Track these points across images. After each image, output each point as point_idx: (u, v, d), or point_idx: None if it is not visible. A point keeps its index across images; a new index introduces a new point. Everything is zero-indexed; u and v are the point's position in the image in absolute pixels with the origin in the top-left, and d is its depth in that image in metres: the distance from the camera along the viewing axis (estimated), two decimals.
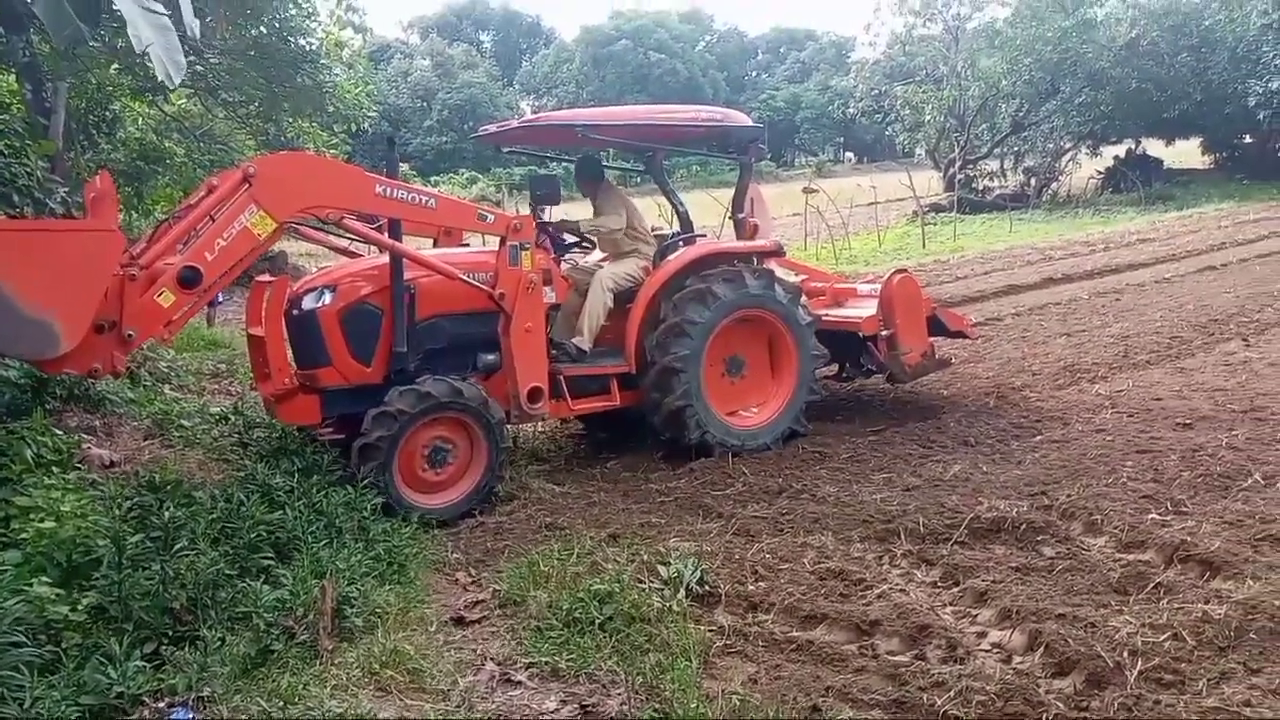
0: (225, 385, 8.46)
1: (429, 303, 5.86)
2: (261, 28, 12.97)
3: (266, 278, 5.83)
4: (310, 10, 14.24)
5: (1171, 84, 27.76)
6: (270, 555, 4.41)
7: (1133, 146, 32.26)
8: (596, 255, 7.15)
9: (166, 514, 4.25)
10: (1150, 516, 4.77)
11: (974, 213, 26.68)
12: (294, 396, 5.66)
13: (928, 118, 30.77)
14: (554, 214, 7.08)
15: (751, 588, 4.29)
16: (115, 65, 12.04)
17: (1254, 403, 6.78)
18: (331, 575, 4.15)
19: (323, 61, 14.69)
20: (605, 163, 7.69)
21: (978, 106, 30.26)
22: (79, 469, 5.07)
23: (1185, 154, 34.00)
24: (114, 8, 4.52)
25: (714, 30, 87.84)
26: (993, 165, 32.43)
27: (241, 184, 4.89)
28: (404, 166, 38.55)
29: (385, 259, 5.78)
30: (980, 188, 30.58)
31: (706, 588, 4.26)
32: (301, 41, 13.97)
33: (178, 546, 4.05)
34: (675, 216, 7.33)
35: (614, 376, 6.45)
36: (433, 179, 49.09)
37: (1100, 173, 31.05)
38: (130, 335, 4.67)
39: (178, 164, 14.49)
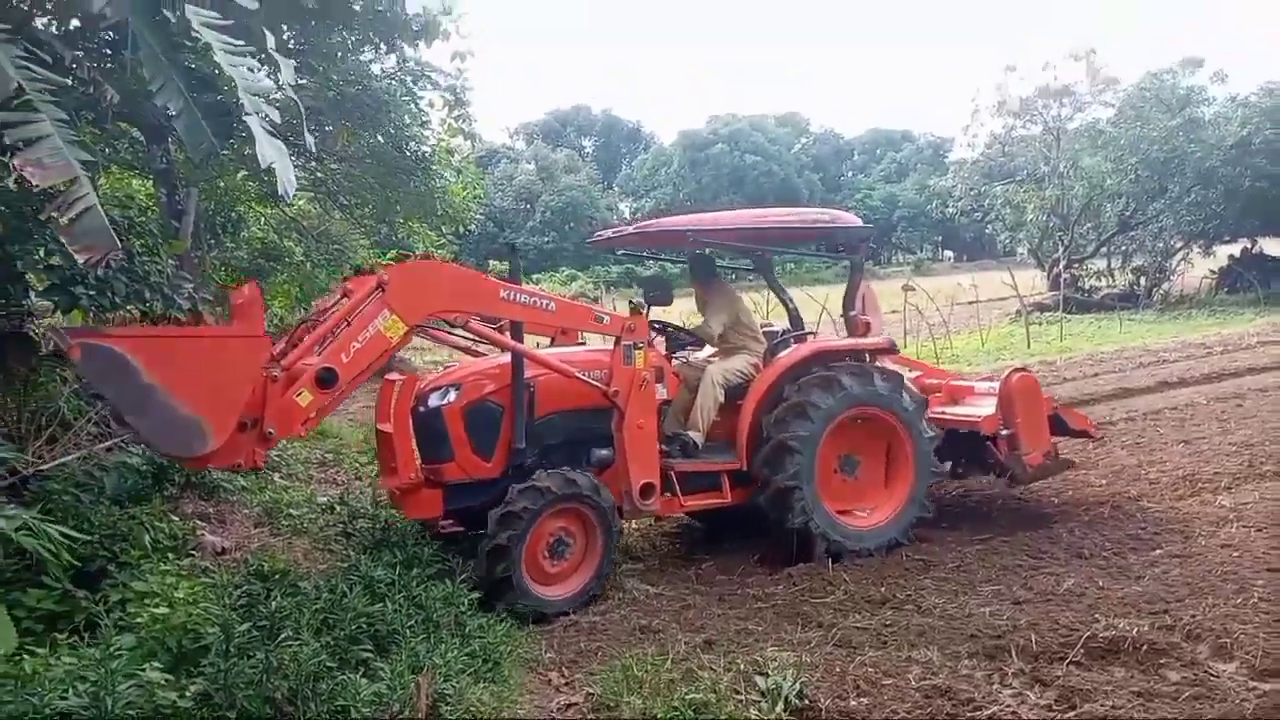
0: (332, 474, 8.73)
1: (547, 400, 6.13)
2: (379, 136, 13.75)
3: (395, 376, 6.06)
4: (424, 119, 15.06)
5: None
6: (370, 648, 4.47)
7: (1248, 245, 31.11)
8: (708, 351, 7.29)
9: (273, 603, 4.37)
10: None
11: (1081, 312, 25.99)
12: (418, 491, 5.84)
13: (1030, 216, 30.41)
14: (662, 312, 7.23)
15: (854, 703, 4.13)
16: (242, 173, 12.89)
17: None
18: (428, 671, 4.18)
19: (434, 168, 15.45)
20: (718, 261, 7.82)
21: (1082, 205, 29.77)
22: (193, 555, 5.27)
23: None
24: (244, 122, 4.90)
25: (810, 133, 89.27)
26: (1099, 264, 31.67)
27: (375, 290, 5.19)
28: (506, 266, 39.99)
29: (507, 358, 6.06)
30: (1087, 287, 29.85)
31: (806, 701, 4.13)
32: (415, 148, 14.74)
33: (282, 636, 4.13)
34: (786, 313, 7.49)
35: (724, 473, 6.51)
36: (535, 276, 50.67)
37: (1214, 272, 29.98)
38: (270, 433, 4.93)
39: (296, 262, 15.34)
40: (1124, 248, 30.93)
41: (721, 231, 6.77)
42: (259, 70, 5.91)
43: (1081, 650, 4.48)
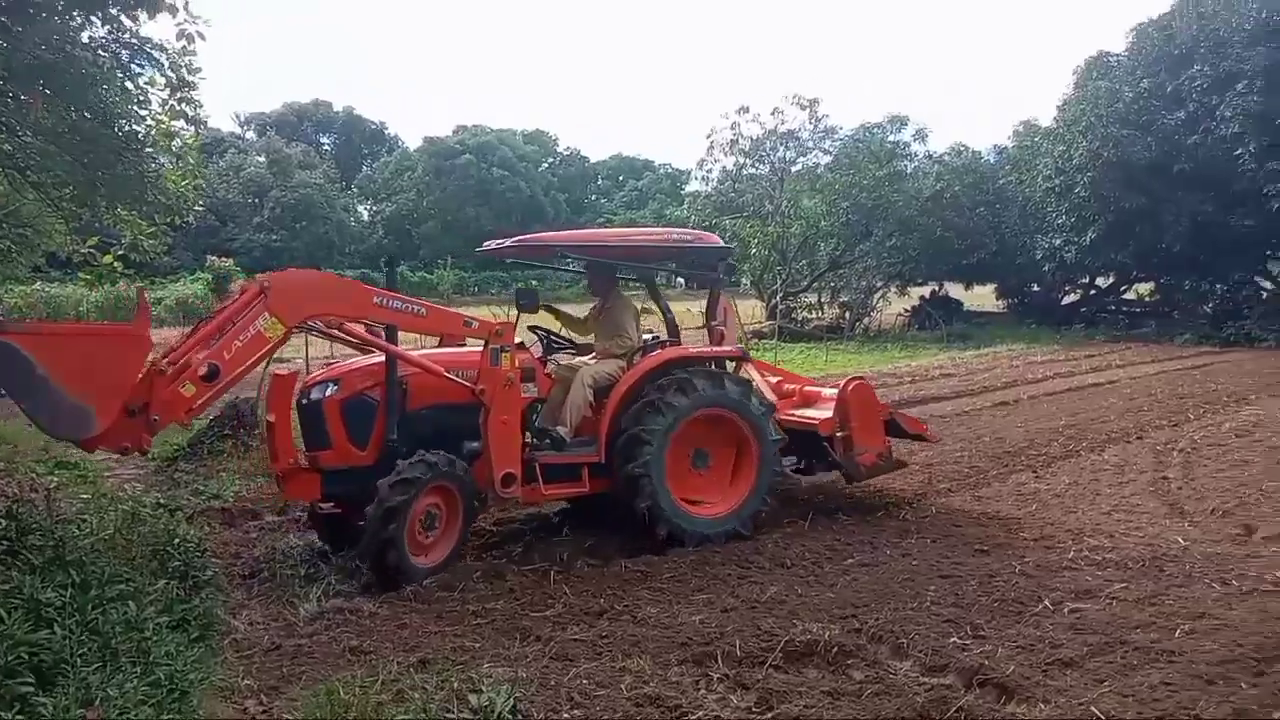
0: (1, 485, 7.66)
1: (419, 396, 6.64)
2: (85, 111, 12.31)
3: (283, 371, 6.78)
4: (141, 97, 13.65)
5: (971, 234, 30.65)
6: (30, 680, 3.90)
7: (936, 288, 35.07)
8: (585, 356, 7.80)
9: None
10: (952, 640, 4.97)
11: (794, 341, 28.03)
12: (298, 475, 6.41)
13: (753, 250, 32.42)
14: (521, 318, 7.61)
15: (567, 716, 4.15)
16: None
17: (1043, 531, 7.27)
18: (99, 704, 3.72)
19: (148, 150, 14.03)
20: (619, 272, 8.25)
21: (799, 243, 32.16)
22: None
23: (982, 298, 37.21)
24: None
25: (557, 152, 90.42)
26: (812, 298, 34.33)
27: (258, 295, 5.71)
28: (228, 262, 37.17)
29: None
30: (800, 318, 32.24)
31: (519, 716, 4.08)
32: (125, 127, 13.32)
33: None
34: (664, 323, 8.03)
35: (585, 465, 6.98)
36: (258, 277, 47.46)
37: (907, 310, 33.50)
38: (156, 419, 5.40)
39: None
40: (833, 284, 33.80)
41: (591, 248, 7.46)
42: None
43: (780, 654, 4.77)
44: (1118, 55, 29.49)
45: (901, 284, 34.47)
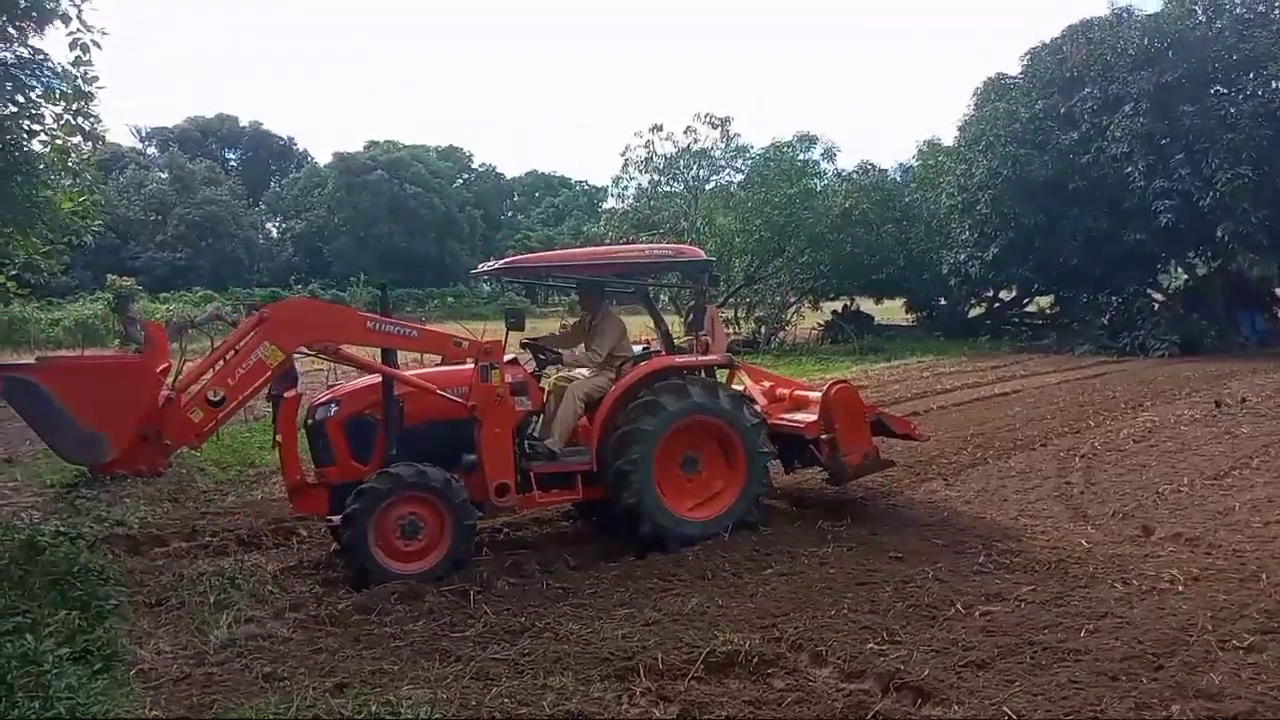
0: None
1: (416, 413, 6.94)
2: None
3: (291, 393, 7.31)
4: (33, 110, 13.05)
5: (880, 249, 31.42)
6: None
7: (848, 303, 35.81)
8: (583, 371, 7.94)
9: None
10: (869, 646, 5.07)
11: None
12: (306, 490, 6.94)
13: None
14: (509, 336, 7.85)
15: None
16: None
17: (954, 537, 7.47)
18: None
19: (40, 168, 13.40)
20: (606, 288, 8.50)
21: (714, 260, 32.54)
22: None
23: (891, 311, 38.15)
24: None
25: (472, 168, 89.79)
26: (728, 313, 34.73)
27: (257, 324, 6.32)
28: (129, 281, 35.82)
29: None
30: None
31: None
32: (18, 146, 12.69)
33: None
34: (659, 335, 8.40)
35: (578, 474, 7.28)
36: (163, 296, 45.80)
37: (821, 325, 34.14)
38: (168, 444, 6.02)
39: None
40: (748, 299, 34.24)
41: (574, 267, 8.04)
42: None
43: (702, 665, 4.81)
44: (1014, 78, 30.64)
45: (814, 299, 35.11)
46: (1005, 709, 4.31)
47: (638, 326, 9.37)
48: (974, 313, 35.36)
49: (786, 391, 9.10)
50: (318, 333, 6.68)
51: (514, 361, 7.48)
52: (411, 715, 4.08)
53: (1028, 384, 18.99)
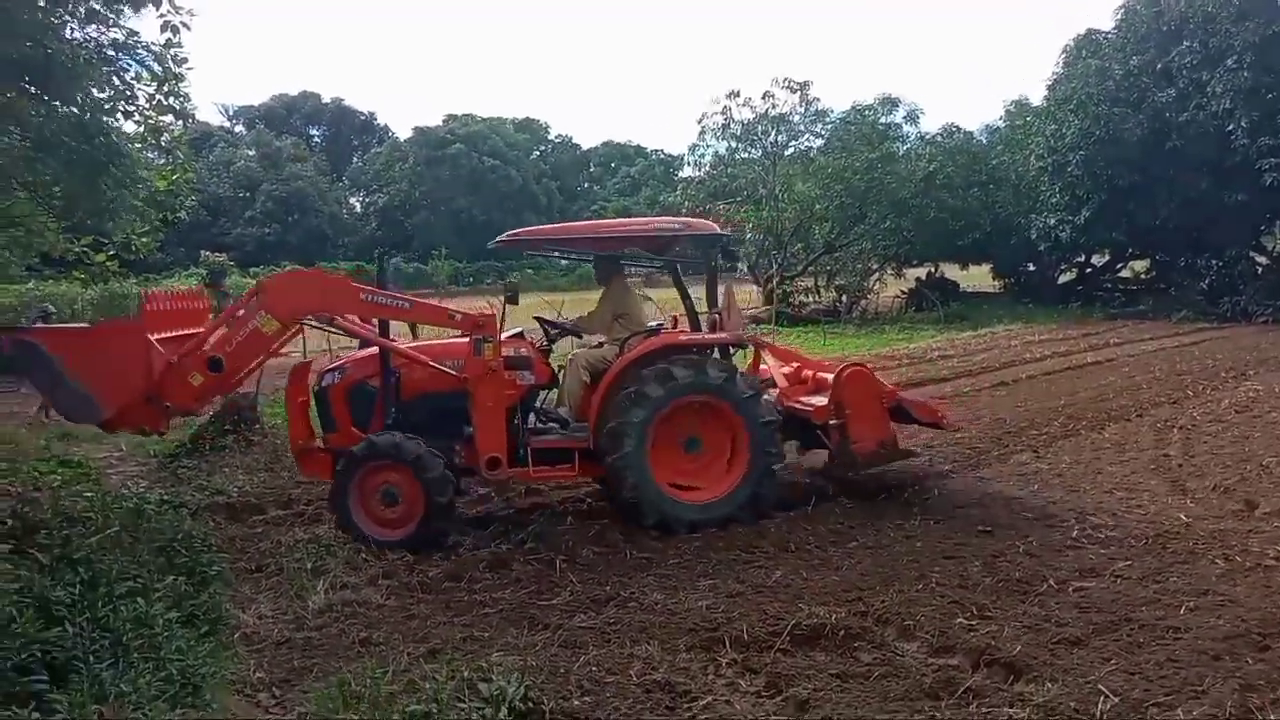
0: (2, 485, 7.64)
1: (411, 385, 7.09)
2: (72, 109, 12.15)
3: (301, 360, 7.91)
4: (128, 93, 13.49)
5: (965, 214, 30.55)
6: (44, 678, 3.92)
7: (932, 270, 35.03)
8: (598, 339, 7.98)
9: None
10: (958, 621, 5.00)
11: (791, 325, 28.00)
12: (312, 454, 7.25)
13: (748, 235, 32.35)
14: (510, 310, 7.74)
15: (577, 703, 4.17)
16: None
17: (1045, 510, 7.30)
18: (113, 700, 3.74)
19: (136, 146, 13.88)
20: (624, 262, 8.52)
21: (793, 227, 32.09)
22: None
23: (978, 278, 37.23)
24: None
25: (548, 140, 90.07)
26: (808, 282, 34.31)
27: (255, 295, 6.58)
28: (222, 257, 37.02)
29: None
30: (796, 302, 32.17)
31: (530, 704, 4.10)
32: (113, 126, 13.14)
33: None
34: (685, 311, 8.25)
35: (576, 450, 7.17)
36: (252, 270, 47.25)
37: (904, 293, 33.47)
38: (168, 406, 6.34)
39: None
40: (829, 267, 33.74)
41: (576, 240, 8.25)
42: None
43: (787, 637, 4.80)
44: (1107, 33, 29.41)
45: (897, 266, 34.44)
46: (1101, 687, 4.20)
47: (670, 302, 9.21)
48: (1064, 278, 34.33)
49: (810, 373, 8.76)
50: (312, 303, 6.77)
51: (519, 335, 7.57)
52: (504, 681, 4.17)
53: (1122, 352, 18.39)
